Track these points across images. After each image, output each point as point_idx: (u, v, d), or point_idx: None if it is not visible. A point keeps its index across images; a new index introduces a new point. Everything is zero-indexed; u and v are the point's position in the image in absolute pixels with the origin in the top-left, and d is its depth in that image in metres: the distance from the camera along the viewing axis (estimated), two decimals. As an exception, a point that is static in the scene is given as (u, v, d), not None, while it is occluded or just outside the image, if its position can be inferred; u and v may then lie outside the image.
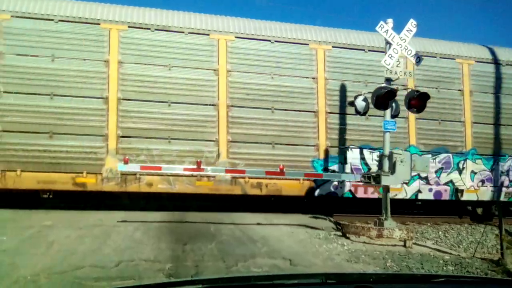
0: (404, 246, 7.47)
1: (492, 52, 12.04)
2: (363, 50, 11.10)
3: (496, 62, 11.89)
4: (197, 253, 6.22)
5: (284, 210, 10.39)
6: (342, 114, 10.85)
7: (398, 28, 8.22)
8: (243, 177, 10.00)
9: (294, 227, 8.71)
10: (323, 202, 10.90)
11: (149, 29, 10.01)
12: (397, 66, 8.24)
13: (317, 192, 10.54)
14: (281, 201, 10.64)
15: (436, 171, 11.30)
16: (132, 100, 9.81)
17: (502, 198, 11.47)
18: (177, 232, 7.61)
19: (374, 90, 8.24)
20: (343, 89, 10.82)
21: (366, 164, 10.86)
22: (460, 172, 11.41)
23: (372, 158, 10.84)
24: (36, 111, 9.38)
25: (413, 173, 11.06)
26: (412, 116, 11.18)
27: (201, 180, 9.96)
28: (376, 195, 10.98)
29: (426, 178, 11.19)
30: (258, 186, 10.23)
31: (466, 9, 39.22)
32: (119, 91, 9.74)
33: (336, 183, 10.62)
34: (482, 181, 11.53)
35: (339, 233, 8.30)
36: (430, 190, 11.23)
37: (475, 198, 11.42)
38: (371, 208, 11.24)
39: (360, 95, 8.72)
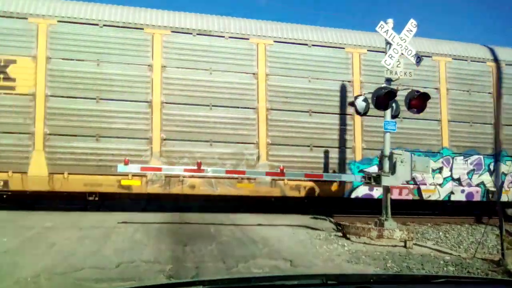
0: (405, 246, 7.47)
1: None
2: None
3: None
4: (198, 254, 6.25)
5: (286, 211, 10.41)
6: (377, 116, 11.01)
7: (399, 28, 8.21)
8: (282, 179, 10.21)
9: (295, 228, 8.76)
10: (358, 203, 11.10)
11: (191, 33, 10.18)
12: (397, 66, 8.25)
13: (354, 194, 10.75)
14: (320, 202, 10.84)
15: (468, 173, 11.51)
16: (175, 103, 9.99)
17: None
18: (177, 233, 7.65)
19: (374, 91, 8.27)
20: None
21: (401, 166, 11.02)
22: (491, 174, 11.62)
23: (406, 160, 11.03)
24: (83, 114, 9.55)
25: (446, 175, 11.42)
26: (445, 118, 11.41)
27: (242, 183, 10.14)
28: (410, 197, 11.21)
29: (458, 180, 11.40)
30: (296, 188, 10.42)
31: (466, 9, 39.42)
32: (162, 95, 9.92)
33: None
34: (512, 182, 11.75)
35: (339, 233, 8.32)
36: (463, 191, 11.44)
37: (505, 199, 11.62)
38: (404, 209, 11.47)
39: (360, 95, 8.80)
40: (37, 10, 9.59)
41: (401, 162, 7.97)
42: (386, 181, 8.04)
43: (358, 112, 8.81)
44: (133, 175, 9.60)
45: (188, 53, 10.13)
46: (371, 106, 8.47)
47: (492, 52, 12.10)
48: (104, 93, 9.67)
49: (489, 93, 11.88)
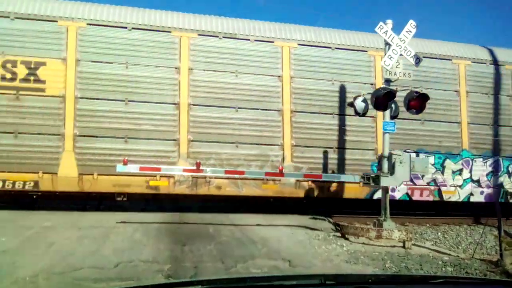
0: (403, 247, 7.47)
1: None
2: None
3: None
4: (196, 254, 6.27)
5: (284, 211, 10.44)
6: (399, 119, 11.16)
7: (400, 28, 8.27)
8: (307, 181, 10.34)
9: (294, 228, 8.78)
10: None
11: (217, 36, 10.31)
12: (396, 67, 8.29)
13: (376, 195, 10.88)
14: (342, 202, 10.96)
15: (487, 174, 11.65)
16: (201, 105, 10.11)
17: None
18: (176, 233, 7.67)
19: (373, 91, 8.27)
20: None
21: (422, 168, 11.17)
22: (510, 176, 11.77)
23: (427, 162, 11.20)
24: (112, 116, 9.66)
25: (465, 176, 11.56)
26: (464, 121, 11.56)
27: (267, 184, 10.26)
28: (431, 198, 11.35)
29: (478, 181, 11.55)
30: (320, 189, 10.55)
31: (466, 9, 39.65)
32: (190, 97, 10.04)
33: (394, 186, 10.94)
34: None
35: (338, 234, 8.33)
36: (482, 193, 11.58)
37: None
38: (424, 210, 11.62)
39: (360, 96, 8.81)
40: (67, 13, 9.71)
41: (400, 162, 8.00)
42: (385, 181, 8.08)
43: (357, 113, 8.82)
44: (161, 176, 9.72)
45: (214, 56, 10.25)
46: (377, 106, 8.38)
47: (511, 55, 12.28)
48: (132, 95, 9.79)
49: (508, 95, 12.03)
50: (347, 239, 7.92)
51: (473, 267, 6.41)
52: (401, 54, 8.31)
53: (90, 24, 9.75)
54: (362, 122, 10.90)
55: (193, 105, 10.06)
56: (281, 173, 8.36)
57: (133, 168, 7.97)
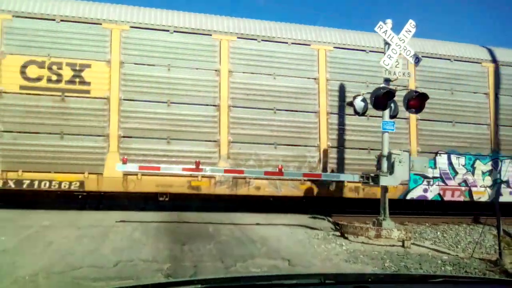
0: (403, 246, 7.49)
1: None
2: (449, 60, 11.65)
3: None
4: (196, 253, 6.26)
5: (283, 210, 10.53)
6: (431, 120, 11.40)
7: (399, 28, 8.35)
8: (342, 181, 10.53)
9: (293, 227, 8.81)
10: (412, 204, 11.44)
11: (255, 39, 10.49)
12: (396, 66, 8.35)
13: (409, 196, 11.08)
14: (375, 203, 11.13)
15: (515, 175, 11.88)
16: (241, 107, 10.28)
17: None
18: (175, 232, 7.68)
19: (373, 91, 8.36)
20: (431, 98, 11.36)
21: (454, 169, 11.41)
22: (538, 176, 11.99)
23: (459, 163, 11.44)
24: (154, 117, 9.83)
25: (495, 177, 11.77)
26: (493, 122, 11.78)
27: (304, 184, 10.45)
28: (462, 198, 11.56)
29: (507, 182, 11.77)
30: (355, 190, 10.74)
31: (466, 9, 39.97)
32: (230, 99, 10.22)
33: (426, 187, 11.17)
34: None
35: (337, 233, 8.35)
36: (511, 193, 11.81)
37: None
38: (455, 210, 11.82)
39: (359, 95, 8.90)
40: (110, 16, 9.87)
41: (399, 162, 8.05)
42: (384, 181, 8.12)
43: (356, 112, 8.89)
44: (202, 176, 9.89)
45: (253, 59, 10.44)
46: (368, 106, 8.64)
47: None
48: (174, 97, 9.96)
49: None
50: (346, 238, 7.95)
51: (472, 266, 6.44)
52: (401, 54, 8.35)
53: (133, 27, 9.91)
54: (396, 123, 11.09)
55: (233, 106, 10.24)
56: (280, 172, 8.33)
57: (132, 167, 8.07)
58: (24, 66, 9.41)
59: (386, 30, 8.25)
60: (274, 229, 8.56)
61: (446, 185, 11.35)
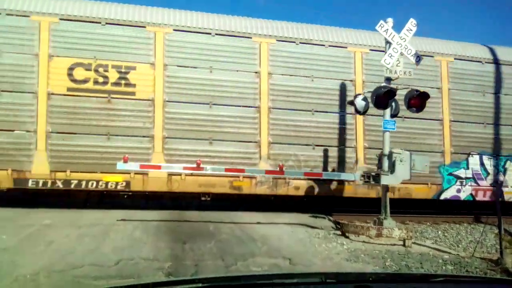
0: (404, 245, 7.46)
1: None
2: (481, 62, 11.83)
3: None
4: (197, 252, 6.24)
5: (284, 209, 10.60)
6: (463, 122, 11.58)
7: (400, 27, 8.34)
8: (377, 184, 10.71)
9: (294, 226, 8.80)
10: (445, 205, 11.64)
11: (294, 42, 10.68)
12: (396, 65, 8.31)
13: (443, 196, 11.28)
14: (410, 203, 11.35)
15: (546, 176, 12.05)
16: (280, 109, 10.48)
17: None
18: (176, 231, 7.65)
19: (373, 90, 8.35)
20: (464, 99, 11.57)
21: (485, 170, 11.60)
22: None
23: (490, 164, 11.63)
24: (197, 119, 10.03)
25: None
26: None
27: (341, 184, 10.65)
28: (493, 198, 11.74)
29: (537, 183, 11.96)
30: (391, 190, 10.89)
31: (466, 9, 40.00)
32: (269, 101, 10.41)
33: (459, 187, 11.38)
34: None
35: (338, 232, 8.32)
36: (539, 194, 12.00)
37: None
38: (485, 210, 11.99)
39: (360, 94, 8.95)
40: (154, 19, 10.07)
41: (401, 161, 8.05)
42: (385, 180, 8.12)
43: (357, 111, 8.91)
44: (243, 177, 10.10)
45: (292, 61, 10.62)
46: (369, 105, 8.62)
47: None
48: (216, 99, 10.16)
49: None
50: (347, 237, 7.93)
51: (473, 265, 6.43)
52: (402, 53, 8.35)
53: (176, 30, 10.11)
54: (431, 125, 11.32)
55: (273, 108, 10.44)
56: (281, 171, 8.34)
57: (133, 166, 8.14)
58: (71, 68, 9.62)
59: (387, 29, 8.31)
60: (275, 228, 8.59)
61: (478, 185, 11.54)
